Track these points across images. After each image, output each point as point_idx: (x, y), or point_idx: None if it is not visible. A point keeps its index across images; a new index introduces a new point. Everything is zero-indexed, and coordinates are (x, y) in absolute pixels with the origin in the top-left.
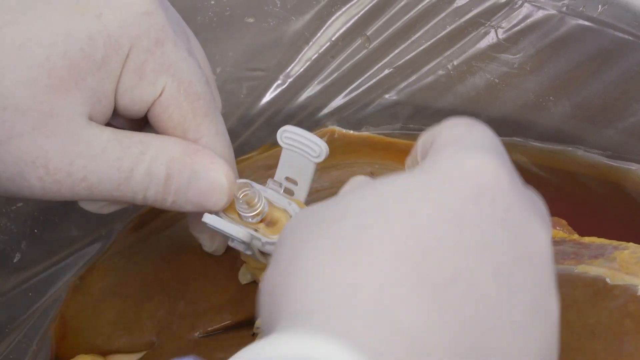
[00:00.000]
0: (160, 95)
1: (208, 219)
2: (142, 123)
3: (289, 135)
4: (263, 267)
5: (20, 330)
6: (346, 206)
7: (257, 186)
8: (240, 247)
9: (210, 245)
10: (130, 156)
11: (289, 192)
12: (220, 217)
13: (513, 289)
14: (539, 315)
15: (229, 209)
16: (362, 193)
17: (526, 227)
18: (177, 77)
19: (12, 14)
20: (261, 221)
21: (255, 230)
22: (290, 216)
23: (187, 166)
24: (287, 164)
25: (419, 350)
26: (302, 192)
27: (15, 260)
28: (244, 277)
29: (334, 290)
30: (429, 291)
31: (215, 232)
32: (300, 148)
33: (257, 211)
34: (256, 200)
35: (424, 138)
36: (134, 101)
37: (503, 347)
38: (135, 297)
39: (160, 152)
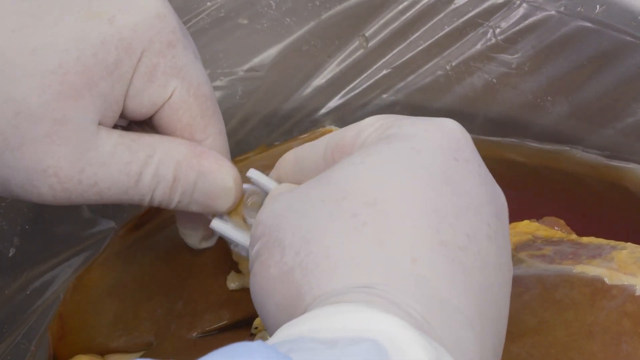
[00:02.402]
0: (170, 97)
1: (216, 225)
2: (141, 123)
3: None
4: None
5: (19, 331)
6: (341, 184)
7: (264, 194)
8: (243, 252)
9: (196, 243)
10: (138, 160)
11: None
12: (225, 220)
13: (499, 248)
14: (510, 272)
15: (233, 212)
16: (353, 169)
17: (494, 183)
18: (187, 80)
19: (26, 18)
20: None
21: None
22: None
23: (193, 168)
24: None
25: (462, 323)
26: None
27: (10, 255)
28: (231, 283)
29: (371, 264)
30: (454, 256)
31: (205, 232)
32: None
33: None
34: None
35: (335, 140)
36: (142, 104)
37: (499, 306)
38: (134, 297)
39: (167, 155)
